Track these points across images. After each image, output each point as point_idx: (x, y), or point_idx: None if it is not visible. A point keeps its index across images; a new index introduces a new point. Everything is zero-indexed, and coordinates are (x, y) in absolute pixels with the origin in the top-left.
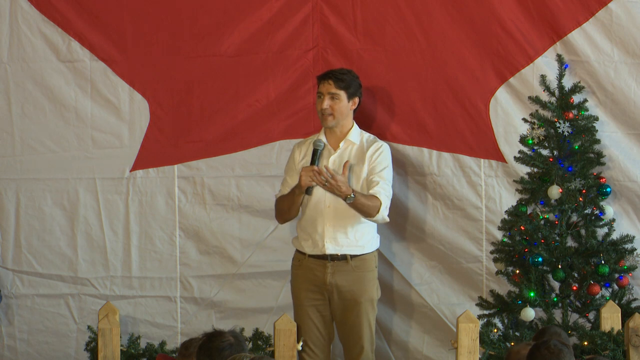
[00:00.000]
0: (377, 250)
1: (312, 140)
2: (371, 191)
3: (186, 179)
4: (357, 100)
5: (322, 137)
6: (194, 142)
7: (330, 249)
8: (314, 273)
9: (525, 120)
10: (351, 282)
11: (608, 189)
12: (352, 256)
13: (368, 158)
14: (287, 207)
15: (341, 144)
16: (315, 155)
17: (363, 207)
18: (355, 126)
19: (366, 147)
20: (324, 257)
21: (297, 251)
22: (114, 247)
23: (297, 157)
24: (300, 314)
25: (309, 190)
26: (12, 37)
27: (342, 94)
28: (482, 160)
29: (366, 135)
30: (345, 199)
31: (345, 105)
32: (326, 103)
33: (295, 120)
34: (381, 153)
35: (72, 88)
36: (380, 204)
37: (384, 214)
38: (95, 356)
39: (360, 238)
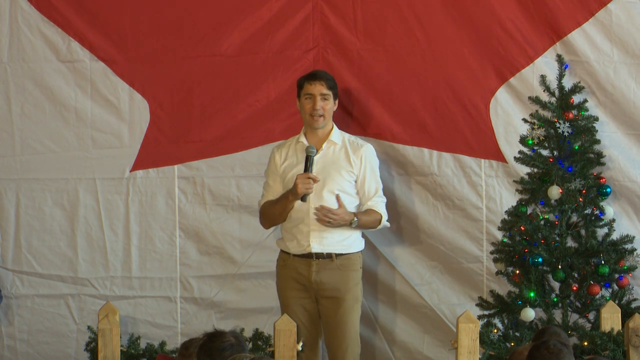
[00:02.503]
0: (361, 252)
1: (292, 142)
2: (370, 204)
3: (186, 179)
4: (337, 101)
5: (303, 139)
6: (194, 142)
7: (315, 248)
8: (298, 271)
9: (525, 120)
10: (336, 280)
11: (608, 189)
12: (337, 255)
13: (355, 163)
14: (277, 213)
15: (324, 145)
16: (309, 162)
17: (367, 225)
18: (335, 126)
19: (350, 148)
20: (309, 256)
21: (282, 252)
22: (114, 247)
23: (278, 161)
24: (287, 313)
25: (304, 198)
26: (12, 37)
27: (331, 95)
28: (482, 160)
29: (346, 135)
30: (350, 225)
31: (332, 106)
32: (319, 104)
33: (295, 120)
34: (367, 158)
35: (72, 88)
36: (381, 216)
37: (384, 222)
38: (95, 356)
39: (345, 238)
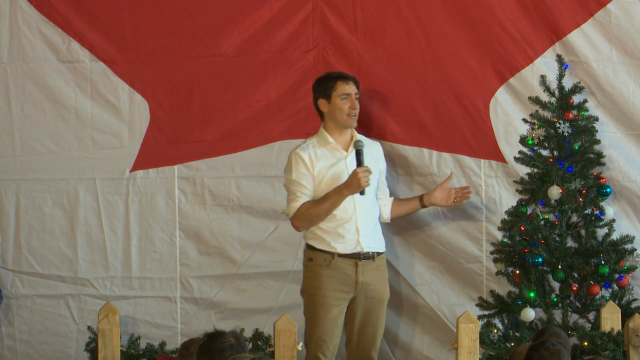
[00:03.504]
0: None
1: (314, 143)
2: (389, 198)
3: (186, 179)
4: None
5: (331, 139)
6: (194, 142)
7: (366, 247)
8: (344, 272)
9: (525, 120)
10: (377, 281)
11: (608, 190)
12: (378, 254)
13: (379, 159)
14: (325, 211)
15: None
16: (360, 156)
17: None
18: None
19: (370, 145)
20: (356, 256)
21: (321, 251)
22: (114, 247)
23: (307, 162)
24: (323, 313)
25: (363, 191)
26: (12, 37)
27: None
28: (482, 160)
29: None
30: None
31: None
32: (356, 103)
33: (295, 120)
34: (383, 154)
35: (72, 88)
36: None
37: None
38: (95, 356)
39: (381, 236)
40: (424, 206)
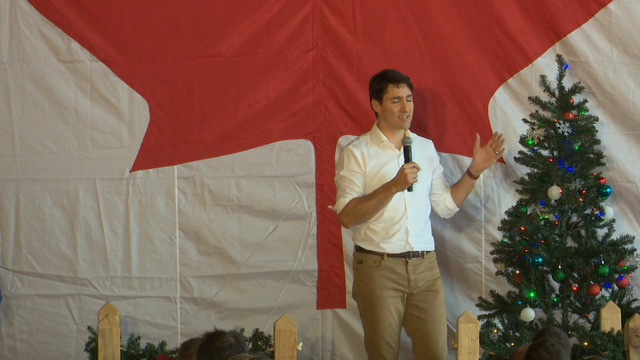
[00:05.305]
0: None
1: (367, 141)
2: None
3: (186, 179)
4: None
5: (385, 138)
6: (194, 142)
7: (415, 246)
8: (394, 271)
9: (525, 120)
10: (428, 276)
11: (608, 190)
12: (427, 252)
13: (433, 158)
14: (373, 208)
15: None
16: (408, 152)
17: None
18: None
19: (422, 144)
20: (405, 255)
21: (370, 252)
22: (114, 247)
23: (360, 159)
24: (381, 313)
25: (411, 187)
26: (12, 37)
27: (411, 95)
28: None
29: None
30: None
31: (412, 105)
32: (408, 106)
33: (295, 120)
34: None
35: (72, 88)
36: None
37: None
38: (95, 356)
39: (429, 235)
40: (475, 177)
